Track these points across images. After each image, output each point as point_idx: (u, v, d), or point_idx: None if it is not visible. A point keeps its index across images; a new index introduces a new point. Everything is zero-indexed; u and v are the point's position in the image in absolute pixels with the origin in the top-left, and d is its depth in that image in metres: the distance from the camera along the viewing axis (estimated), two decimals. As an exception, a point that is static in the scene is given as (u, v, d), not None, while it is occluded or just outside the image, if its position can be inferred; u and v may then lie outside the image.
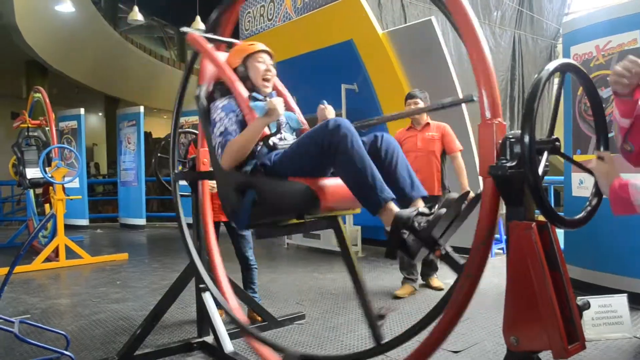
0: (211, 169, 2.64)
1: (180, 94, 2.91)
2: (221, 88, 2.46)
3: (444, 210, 1.63)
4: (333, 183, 2.11)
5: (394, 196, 1.85)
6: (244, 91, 2.35)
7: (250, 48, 2.45)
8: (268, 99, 2.30)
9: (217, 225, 3.88)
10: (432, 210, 1.73)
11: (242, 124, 2.25)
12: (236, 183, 2.17)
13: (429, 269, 4.59)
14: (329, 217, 2.35)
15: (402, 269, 4.51)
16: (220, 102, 2.34)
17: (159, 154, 4.62)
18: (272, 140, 2.21)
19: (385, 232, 1.84)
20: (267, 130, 2.23)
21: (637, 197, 1.52)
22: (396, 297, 4.27)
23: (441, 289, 4.36)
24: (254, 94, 2.38)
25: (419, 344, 1.74)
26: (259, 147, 2.21)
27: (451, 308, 1.63)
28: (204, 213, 3.23)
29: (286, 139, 2.33)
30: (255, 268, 3.93)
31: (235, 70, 2.43)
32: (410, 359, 1.76)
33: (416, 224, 1.70)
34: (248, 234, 3.93)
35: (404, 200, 1.97)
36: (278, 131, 2.27)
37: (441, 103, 1.98)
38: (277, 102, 2.15)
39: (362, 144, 1.93)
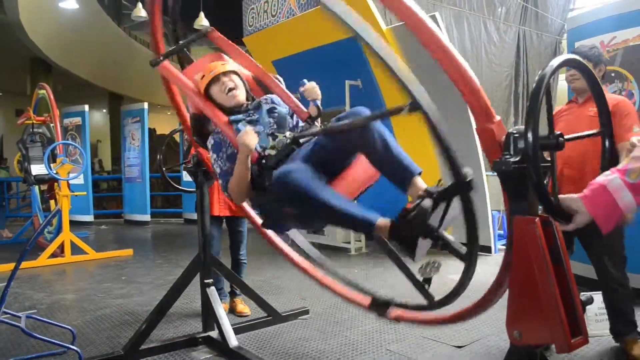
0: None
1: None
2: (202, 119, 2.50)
3: (427, 202, 1.61)
4: (344, 178, 2.12)
5: (376, 215, 1.79)
6: (222, 116, 2.34)
7: (203, 81, 2.44)
8: (244, 121, 2.32)
9: (220, 219, 3.90)
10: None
11: (234, 156, 2.22)
12: (265, 201, 2.20)
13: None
14: None
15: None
16: (209, 142, 2.37)
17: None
18: (265, 160, 2.16)
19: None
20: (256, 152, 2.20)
21: (622, 193, 1.33)
22: None
23: None
24: (232, 118, 2.34)
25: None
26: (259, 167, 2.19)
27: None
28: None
29: (284, 138, 2.25)
30: (245, 264, 4.00)
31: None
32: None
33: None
34: (245, 230, 3.96)
35: (403, 184, 1.89)
36: (263, 151, 2.21)
37: (377, 113, 1.93)
38: (245, 136, 2.10)
39: (309, 176, 1.83)
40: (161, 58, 2.69)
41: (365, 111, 2.00)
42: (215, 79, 2.42)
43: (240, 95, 2.43)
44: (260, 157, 2.17)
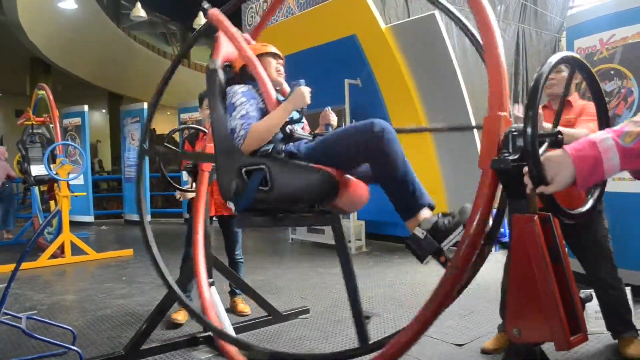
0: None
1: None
2: (242, 74, 2.43)
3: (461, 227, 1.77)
4: (354, 180, 2.17)
5: (431, 202, 1.95)
6: (267, 77, 2.33)
7: (264, 48, 2.49)
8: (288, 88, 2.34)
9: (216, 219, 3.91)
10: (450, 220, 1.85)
11: (262, 112, 2.24)
12: (245, 164, 2.14)
13: None
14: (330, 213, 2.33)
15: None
16: (240, 88, 2.30)
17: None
18: (291, 127, 2.18)
19: (412, 237, 1.89)
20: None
21: (610, 154, 1.25)
22: None
23: None
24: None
25: (400, 333, 1.71)
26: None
27: (433, 300, 1.61)
28: (196, 209, 3.18)
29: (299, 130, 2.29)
30: (242, 263, 3.99)
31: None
32: (390, 350, 1.73)
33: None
34: (239, 230, 3.96)
35: (407, 210, 1.96)
36: (300, 119, 2.31)
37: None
38: (305, 91, 2.17)
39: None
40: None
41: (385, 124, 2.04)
42: (272, 55, 2.48)
43: (282, 78, 2.51)
44: (287, 122, 2.19)
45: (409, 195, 1.94)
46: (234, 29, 2.44)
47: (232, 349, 2.58)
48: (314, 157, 2.08)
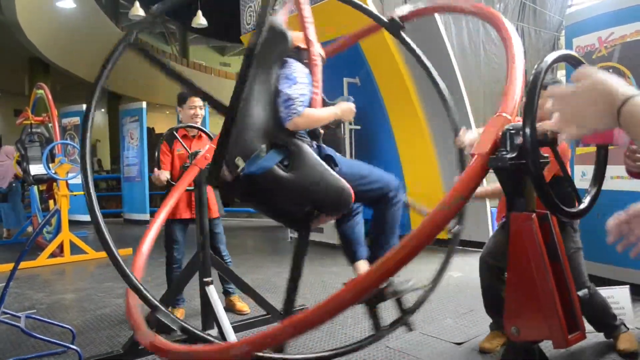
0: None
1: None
2: (299, 53, 2.32)
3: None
4: None
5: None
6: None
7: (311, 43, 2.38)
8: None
9: (186, 222, 3.85)
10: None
11: (309, 102, 2.23)
12: (279, 136, 2.10)
13: None
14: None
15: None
16: (304, 68, 2.25)
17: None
18: (322, 129, 2.32)
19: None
20: None
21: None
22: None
23: None
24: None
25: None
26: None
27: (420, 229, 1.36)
28: (160, 209, 2.98)
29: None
30: (230, 262, 3.93)
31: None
32: (347, 289, 1.37)
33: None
34: (221, 230, 3.93)
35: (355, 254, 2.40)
36: (338, 126, 2.42)
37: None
38: (354, 108, 2.34)
39: None
40: None
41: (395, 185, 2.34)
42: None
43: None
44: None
45: (378, 247, 2.28)
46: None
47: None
48: (342, 171, 2.15)
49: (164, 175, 3.63)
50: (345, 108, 2.31)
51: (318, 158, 2.10)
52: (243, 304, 3.90)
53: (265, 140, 2.08)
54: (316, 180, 2.06)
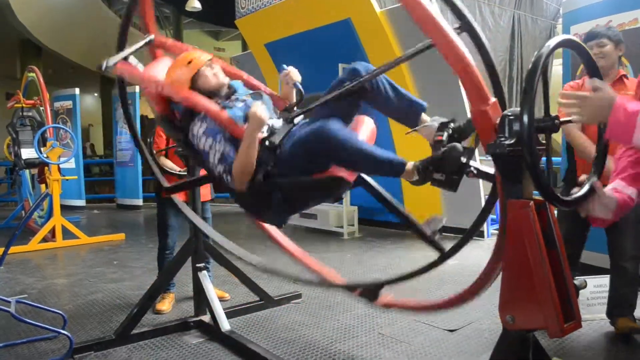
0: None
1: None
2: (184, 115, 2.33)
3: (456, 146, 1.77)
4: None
5: (404, 160, 1.93)
6: (212, 105, 2.20)
7: (192, 67, 2.32)
8: (238, 98, 2.26)
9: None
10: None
11: (233, 140, 2.14)
12: (257, 193, 2.10)
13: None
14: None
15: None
16: (198, 128, 2.18)
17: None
18: (269, 141, 2.11)
19: (416, 181, 1.91)
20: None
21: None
22: None
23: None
24: (222, 103, 2.26)
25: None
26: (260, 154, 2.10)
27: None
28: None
29: (275, 125, 2.21)
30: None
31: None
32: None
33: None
34: (210, 215, 3.87)
35: (409, 118, 2.12)
36: (272, 132, 2.16)
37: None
38: (257, 108, 2.04)
39: (342, 125, 1.97)
40: (110, 64, 2.68)
41: (369, 67, 2.21)
42: (205, 65, 2.33)
43: (225, 78, 2.39)
44: (263, 139, 2.11)
45: (381, 164, 1.92)
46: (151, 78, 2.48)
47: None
48: (292, 172, 2.04)
49: (169, 163, 3.68)
50: (252, 123, 2.03)
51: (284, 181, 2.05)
52: (222, 291, 3.85)
53: (262, 199, 2.13)
54: (309, 192, 2.08)
